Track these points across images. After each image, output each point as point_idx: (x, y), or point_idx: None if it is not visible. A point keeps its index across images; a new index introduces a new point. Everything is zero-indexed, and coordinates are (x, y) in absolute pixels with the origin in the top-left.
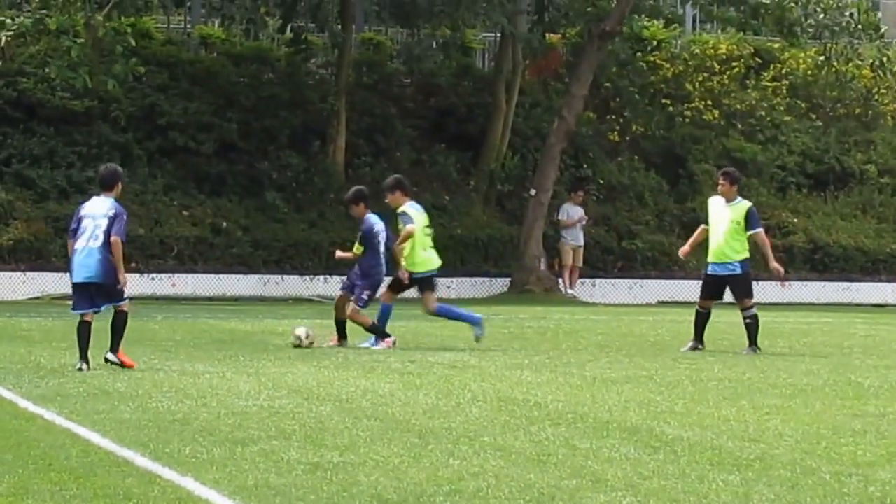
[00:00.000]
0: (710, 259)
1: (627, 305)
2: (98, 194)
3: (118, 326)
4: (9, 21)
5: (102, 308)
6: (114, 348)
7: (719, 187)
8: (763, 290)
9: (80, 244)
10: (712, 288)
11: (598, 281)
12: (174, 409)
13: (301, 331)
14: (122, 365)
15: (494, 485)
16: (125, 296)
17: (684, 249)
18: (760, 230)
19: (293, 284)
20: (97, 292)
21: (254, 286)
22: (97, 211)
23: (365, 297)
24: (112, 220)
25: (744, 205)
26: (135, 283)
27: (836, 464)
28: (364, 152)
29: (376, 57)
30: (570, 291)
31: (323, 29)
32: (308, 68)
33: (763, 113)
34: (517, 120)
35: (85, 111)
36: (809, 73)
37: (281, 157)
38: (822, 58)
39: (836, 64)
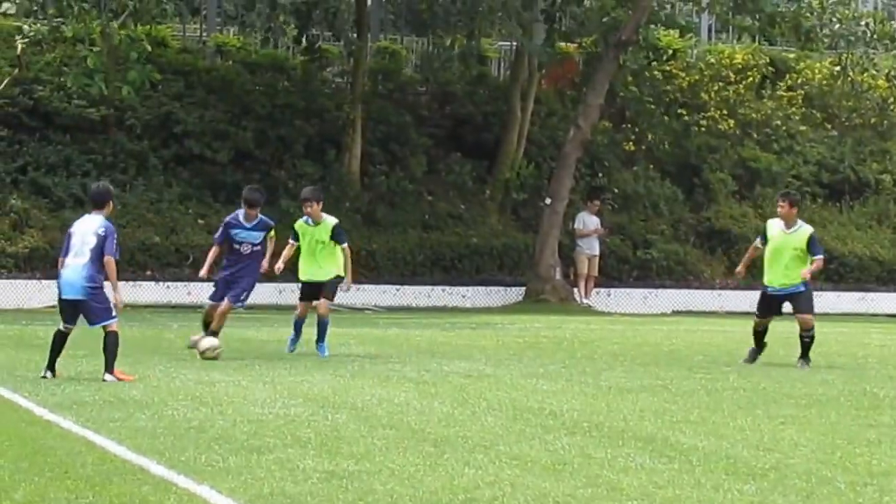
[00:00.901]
0: (770, 283)
1: (643, 315)
2: (89, 212)
3: (110, 347)
4: (25, 28)
5: (92, 327)
6: (108, 369)
7: (779, 209)
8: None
9: (67, 260)
10: (772, 306)
11: (613, 290)
12: (190, 416)
13: (212, 342)
14: (120, 381)
15: (510, 493)
16: (114, 314)
17: (740, 270)
18: (822, 257)
19: None
20: (84, 311)
21: (270, 294)
22: (87, 228)
23: (245, 297)
24: (102, 239)
25: (805, 231)
26: (151, 292)
27: (851, 473)
28: (380, 161)
29: (392, 65)
30: (585, 300)
31: (338, 37)
32: (324, 77)
33: (778, 122)
34: (533, 129)
35: (101, 119)
36: (825, 82)
37: (296, 166)
38: (837, 68)
39: (851, 74)
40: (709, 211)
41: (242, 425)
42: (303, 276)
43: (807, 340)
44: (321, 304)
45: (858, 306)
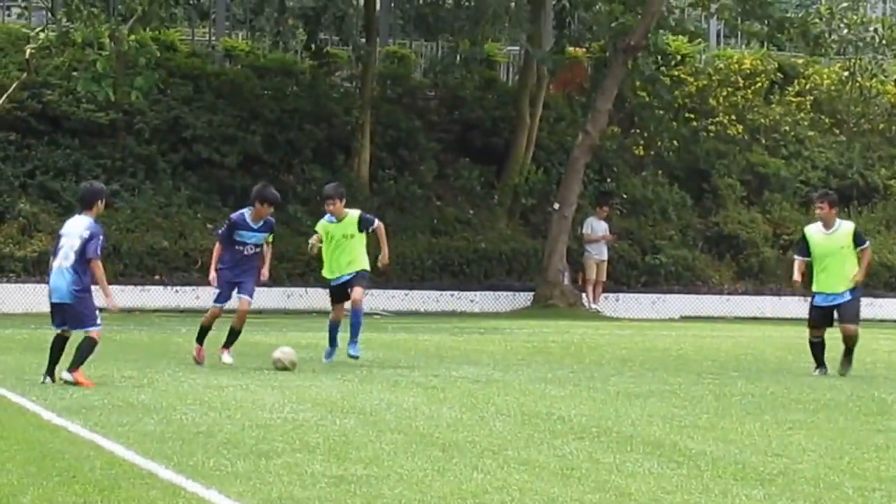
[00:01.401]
0: (821, 289)
1: (651, 320)
2: (79, 213)
3: (83, 349)
4: (32, 34)
5: (74, 332)
6: (72, 367)
7: (818, 211)
8: (786, 305)
9: (55, 263)
10: (825, 315)
11: (621, 295)
12: (198, 421)
13: (284, 353)
14: (77, 384)
15: (518, 499)
16: (97, 321)
17: (797, 280)
18: (867, 245)
19: (317, 297)
20: (68, 315)
21: (278, 299)
22: (73, 230)
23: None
24: (86, 241)
25: (847, 227)
26: (159, 296)
27: (859, 479)
28: (388, 165)
29: (401, 70)
30: (593, 306)
31: (346, 42)
32: (332, 81)
33: (787, 128)
34: (541, 134)
35: (109, 123)
36: (833, 88)
37: (305, 171)
38: (846, 73)
39: (860, 79)
40: (717, 216)
41: (251, 430)
42: (330, 275)
43: (849, 345)
44: (356, 291)
45: (866, 312)
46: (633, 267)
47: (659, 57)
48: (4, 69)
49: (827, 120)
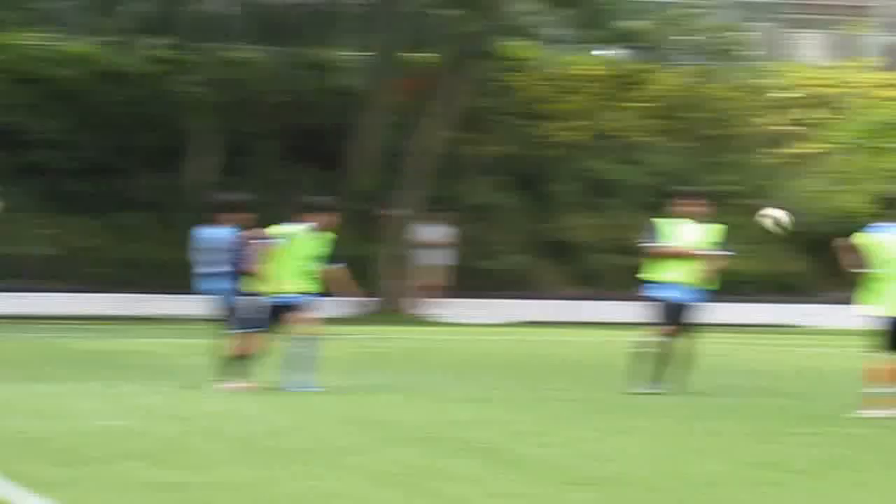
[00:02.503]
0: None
1: (488, 325)
2: None
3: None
4: None
5: None
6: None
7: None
8: (625, 310)
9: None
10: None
11: (458, 301)
12: (24, 427)
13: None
14: None
15: None
16: None
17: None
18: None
19: (154, 304)
20: None
21: (113, 305)
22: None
23: None
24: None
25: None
26: None
27: (684, 481)
28: (229, 171)
29: (242, 75)
30: (431, 311)
31: (182, 46)
32: (174, 86)
33: (630, 133)
34: (382, 139)
35: None
36: (677, 93)
37: (143, 176)
38: (690, 79)
39: (704, 85)
40: (557, 222)
41: (77, 437)
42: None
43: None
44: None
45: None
46: (471, 272)
47: (502, 62)
48: None
49: (670, 125)
